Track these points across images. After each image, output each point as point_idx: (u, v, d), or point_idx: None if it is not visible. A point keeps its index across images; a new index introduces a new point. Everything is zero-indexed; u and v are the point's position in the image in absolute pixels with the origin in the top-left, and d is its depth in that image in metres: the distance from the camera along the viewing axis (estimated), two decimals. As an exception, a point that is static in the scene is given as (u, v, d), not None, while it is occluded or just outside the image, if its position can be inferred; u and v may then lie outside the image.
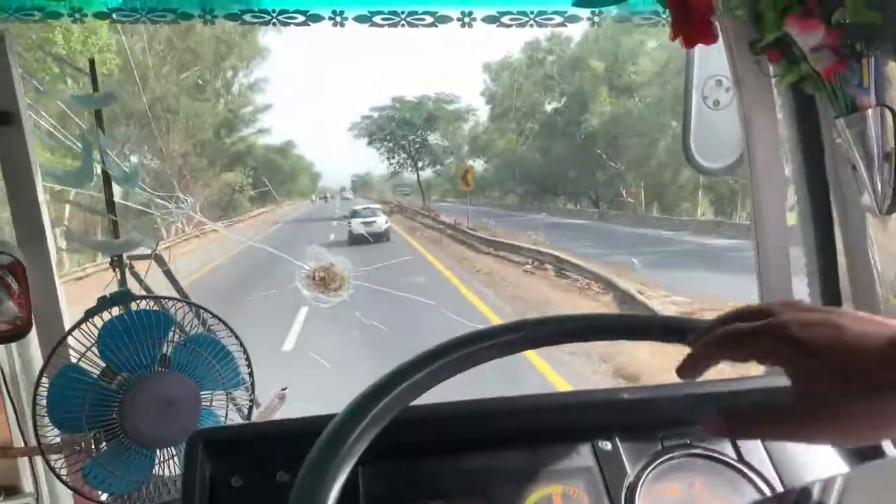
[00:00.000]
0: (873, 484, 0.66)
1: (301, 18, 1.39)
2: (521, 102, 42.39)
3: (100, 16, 1.38)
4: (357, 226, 20.54)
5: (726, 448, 1.00)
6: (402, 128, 46.31)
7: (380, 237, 20.64)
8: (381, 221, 21.98)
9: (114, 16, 1.37)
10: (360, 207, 24.51)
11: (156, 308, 1.26)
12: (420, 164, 47.59)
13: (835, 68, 1.17)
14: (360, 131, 47.20)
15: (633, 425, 1.01)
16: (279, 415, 1.51)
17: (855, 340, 0.54)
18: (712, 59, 1.53)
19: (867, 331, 0.55)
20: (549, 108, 41.45)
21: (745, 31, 1.28)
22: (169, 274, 1.57)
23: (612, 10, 1.39)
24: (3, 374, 1.51)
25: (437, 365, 0.74)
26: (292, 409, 1.29)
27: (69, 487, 1.26)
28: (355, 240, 19.36)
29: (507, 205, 44.20)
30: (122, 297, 1.24)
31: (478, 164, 46.02)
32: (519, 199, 44.82)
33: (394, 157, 47.76)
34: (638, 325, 0.82)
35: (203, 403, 1.27)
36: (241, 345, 1.31)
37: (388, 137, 47.01)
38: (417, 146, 46.88)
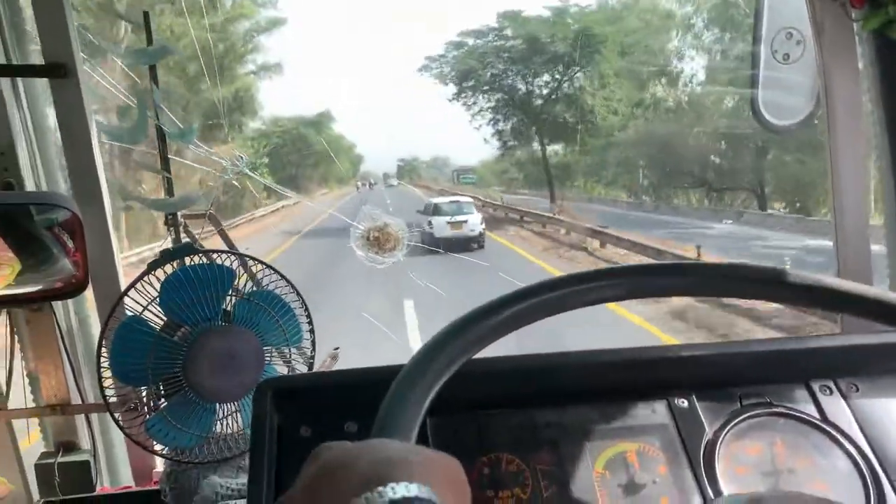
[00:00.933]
0: None
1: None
2: (660, 46, 25.23)
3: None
4: (441, 226, 15.09)
5: (809, 407, 0.97)
6: (524, 63, 25.99)
7: (469, 243, 15.16)
8: (475, 221, 15.74)
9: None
10: (445, 201, 17.32)
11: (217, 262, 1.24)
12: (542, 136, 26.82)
13: (928, 11, 1.12)
14: (445, 70, 27.18)
15: (709, 382, 0.98)
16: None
17: None
18: (782, 11, 1.47)
19: None
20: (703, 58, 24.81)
21: (827, -27, 1.23)
22: (223, 233, 1.56)
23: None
24: (60, 331, 1.51)
25: (528, 304, 0.73)
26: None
27: (134, 442, 1.25)
28: (435, 244, 13.26)
29: (615, 201, 27.38)
30: (185, 249, 1.23)
31: (552, 149, 28.24)
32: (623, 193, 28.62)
33: (506, 119, 26.75)
34: None
35: (265, 359, 1.25)
36: (303, 301, 1.29)
37: (496, 81, 26.72)
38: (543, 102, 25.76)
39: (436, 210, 16.01)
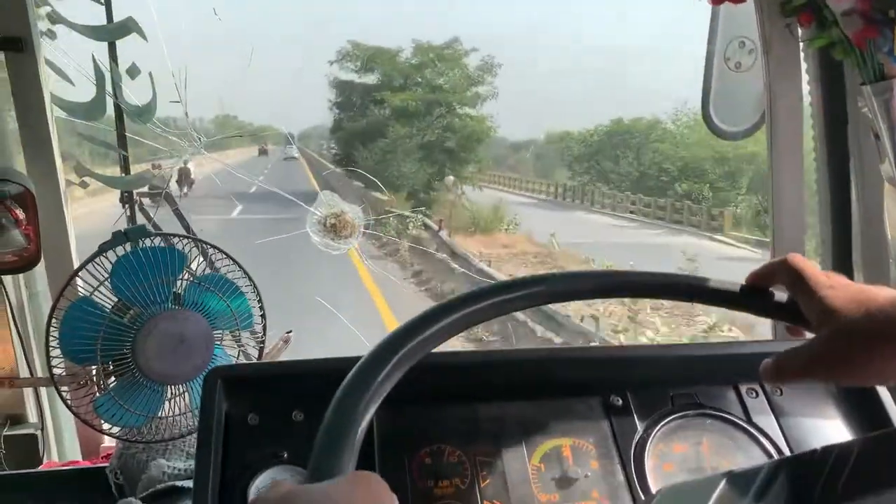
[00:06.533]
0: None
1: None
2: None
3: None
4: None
5: (735, 408, 1.02)
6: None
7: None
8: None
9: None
10: None
11: (169, 245, 1.25)
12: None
13: (866, 34, 1.16)
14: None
15: (644, 382, 1.02)
16: (285, 357, 1.52)
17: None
18: (736, 19, 1.51)
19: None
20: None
21: (777, -8, 1.26)
22: (178, 213, 1.56)
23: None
24: (10, 304, 1.50)
25: (469, 310, 0.75)
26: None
27: (80, 419, 1.26)
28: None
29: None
30: (138, 232, 1.23)
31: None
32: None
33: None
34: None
35: (215, 342, 1.27)
36: (254, 285, 1.30)
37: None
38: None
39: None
